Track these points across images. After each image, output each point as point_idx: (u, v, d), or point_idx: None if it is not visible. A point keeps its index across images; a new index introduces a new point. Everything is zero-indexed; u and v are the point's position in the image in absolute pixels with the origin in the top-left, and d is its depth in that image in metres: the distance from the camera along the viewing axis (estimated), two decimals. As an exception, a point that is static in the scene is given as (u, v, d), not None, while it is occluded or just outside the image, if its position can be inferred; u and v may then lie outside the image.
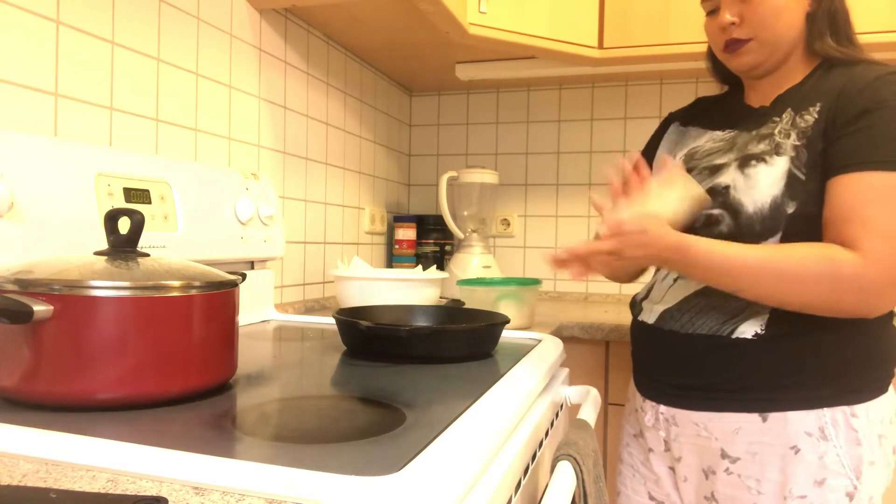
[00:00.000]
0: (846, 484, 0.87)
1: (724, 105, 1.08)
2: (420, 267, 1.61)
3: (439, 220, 2.09)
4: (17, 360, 0.59)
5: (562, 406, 0.97)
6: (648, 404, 1.03)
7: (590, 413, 0.91)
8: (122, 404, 0.60)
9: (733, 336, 0.91)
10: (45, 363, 0.58)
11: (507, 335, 1.13)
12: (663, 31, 1.68)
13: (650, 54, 1.70)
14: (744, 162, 0.91)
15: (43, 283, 0.58)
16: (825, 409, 0.87)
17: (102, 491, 0.43)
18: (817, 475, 0.87)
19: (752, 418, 0.90)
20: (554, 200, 2.19)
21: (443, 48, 1.80)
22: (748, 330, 0.90)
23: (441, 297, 1.71)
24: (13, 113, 0.89)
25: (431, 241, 2.13)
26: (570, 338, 1.49)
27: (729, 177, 0.92)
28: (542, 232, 2.20)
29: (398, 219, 2.08)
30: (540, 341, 1.07)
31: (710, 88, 1.18)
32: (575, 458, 0.69)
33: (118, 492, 0.43)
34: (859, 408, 0.87)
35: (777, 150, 0.89)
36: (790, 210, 0.87)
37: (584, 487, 0.69)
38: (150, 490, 0.43)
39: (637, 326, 1.06)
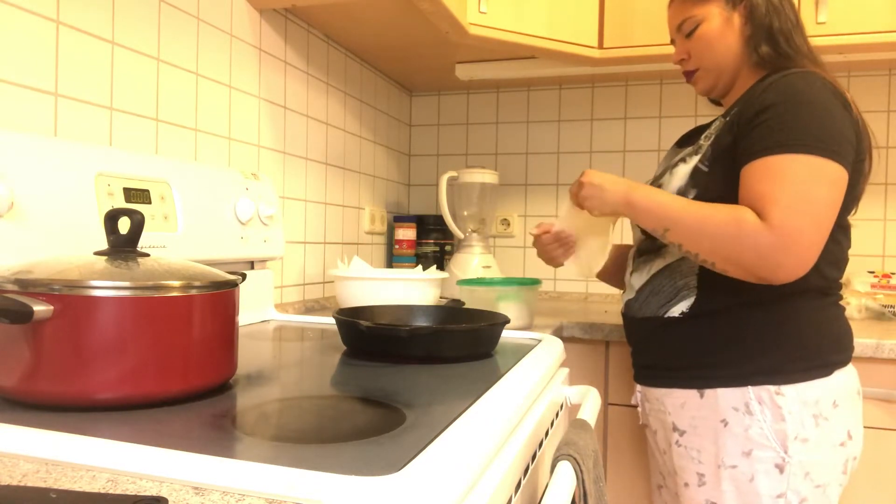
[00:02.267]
0: (773, 456, 0.96)
1: (710, 125, 1.20)
2: (420, 267, 1.61)
3: (439, 220, 2.09)
4: (17, 360, 0.59)
5: (562, 406, 0.97)
6: (636, 385, 1.19)
7: (590, 413, 0.91)
8: (122, 404, 0.60)
9: (666, 316, 1.06)
10: (45, 363, 0.58)
11: (507, 335, 1.13)
12: (663, 31, 1.67)
13: (650, 54, 1.70)
14: (675, 164, 1.08)
15: (43, 283, 0.58)
16: (750, 386, 0.98)
17: (102, 491, 0.43)
18: (744, 446, 0.98)
19: (693, 394, 1.03)
20: (554, 200, 2.19)
21: (443, 48, 1.80)
22: (676, 311, 1.05)
23: (441, 297, 1.71)
24: (13, 113, 0.89)
25: (431, 241, 2.13)
26: (570, 338, 1.49)
27: (664, 178, 1.09)
28: (542, 232, 2.20)
29: (398, 219, 2.08)
30: (540, 341, 1.07)
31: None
32: (575, 458, 0.69)
33: (118, 492, 0.43)
34: (787, 388, 0.96)
35: (696, 151, 1.05)
36: (691, 196, 1.02)
37: (584, 487, 0.69)
38: (150, 490, 0.43)
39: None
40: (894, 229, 1.90)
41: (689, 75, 1.16)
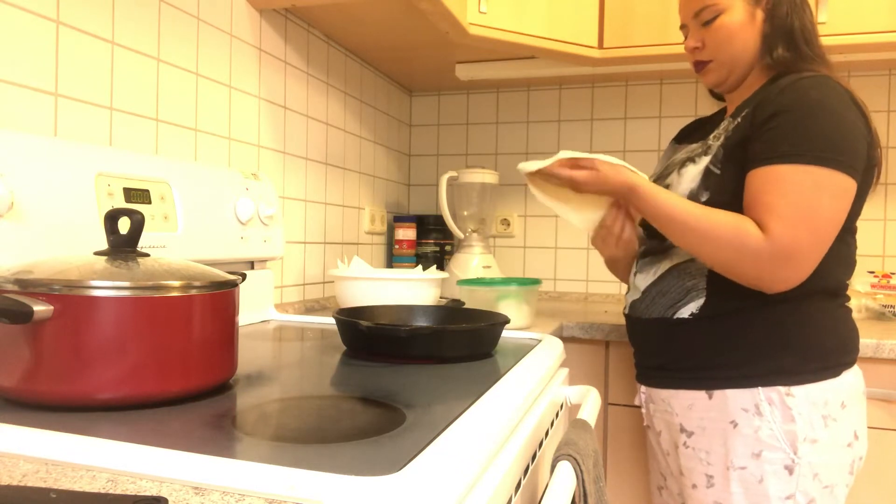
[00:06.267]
0: (782, 457, 0.96)
1: (711, 121, 1.20)
2: (420, 267, 1.61)
3: (439, 220, 2.09)
4: (17, 360, 0.59)
5: (562, 406, 0.97)
6: (639, 386, 1.18)
7: (590, 413, 0.91)
8: (122, 404, 0.60)
9: (675, 317, 1.05)
10: (45, 363, 0.58)
11: (507, 335, 1.13)
12: (663, 31, 1.68)
13: (650, 54, 1.70)
14: (683, 164, 1.07)
15: (43, 283, 0.58)
16: (760, 387, 0.97)
17: (102, 491, 0.43)
18: (754, 448, 0.97)
19: (701, 395, 1.03)
20: (554, 200, 2.19)
21: (443, 48, 1.80)
22: (686, 312, 1.04)
23: (441, 297, 1.71)
24: (13, 113, 0.89)
25: (431, 241, 2.13)
26: (570, 338, 1.49)
27: (671, 177, 1.08)
28: (542, 232, 2.20)
29: (398, 219, 2.08)
30: (540, 341, 1.07)
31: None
32: (575, 458, 0.69)
33: (118, 492, 0.43)
34: (797, 388, 0.96)
35: (706, 151, 1.03)
36: (703, 199, 1.01)
37: (584, 487, 0.69)
38: (150, 490, 0.43)
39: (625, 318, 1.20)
40: (894, 229, 1.90)
41: (699, 66, 1.11)
